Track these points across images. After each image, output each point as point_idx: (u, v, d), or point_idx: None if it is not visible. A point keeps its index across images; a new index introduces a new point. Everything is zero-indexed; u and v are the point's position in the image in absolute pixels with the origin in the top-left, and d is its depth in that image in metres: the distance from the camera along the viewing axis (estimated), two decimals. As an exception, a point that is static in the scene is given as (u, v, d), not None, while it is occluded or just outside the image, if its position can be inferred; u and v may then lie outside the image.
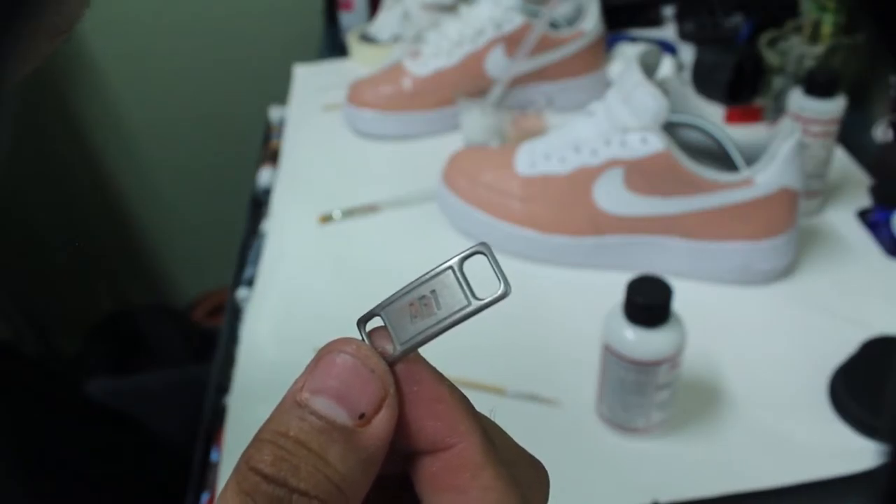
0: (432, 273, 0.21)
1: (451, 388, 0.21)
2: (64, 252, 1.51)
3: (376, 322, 0.22)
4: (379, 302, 0.21)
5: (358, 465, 0.19)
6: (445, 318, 0.20)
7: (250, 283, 0.74)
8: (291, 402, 0.19)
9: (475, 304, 0.20)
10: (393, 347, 0.21)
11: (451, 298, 0.20)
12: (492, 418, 0.23)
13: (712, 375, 0.60)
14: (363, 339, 0.21)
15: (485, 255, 0.20)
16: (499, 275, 0.21)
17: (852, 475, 0.50)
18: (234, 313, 0.71)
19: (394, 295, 0.21)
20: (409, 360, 0.21)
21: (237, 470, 0.19)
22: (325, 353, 0.20)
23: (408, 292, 0.21)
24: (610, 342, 0.52)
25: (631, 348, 0.51)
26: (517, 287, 0.78)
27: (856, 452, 0.54)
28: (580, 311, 0.66)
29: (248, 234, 0.82)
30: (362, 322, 0.22)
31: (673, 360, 0.52)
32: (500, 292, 0.21)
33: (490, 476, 0.20)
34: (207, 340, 0.82)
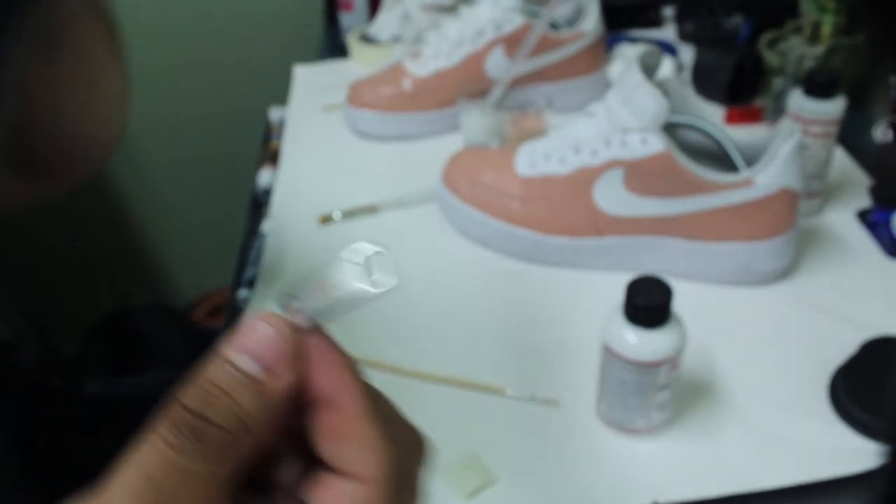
0: (341, 262, 0.25)
1: (346, 358, 0.25)
2: (64, 252, 1.51)
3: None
4: (297, 282, 0.26)
5: (264, 409, 0.23)
6: (347, 301, 0.25)
7: (250, 283, 0.74)
8: (220, 358, 0.24)
9: (372, 291, 0.24)
10: (303, 320, 0.25)
11: (354, 285, 0.24)
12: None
13: (712, 376, 0.60)
14: (280, 312, 0.25)
15: (383, 253, 0.25)
16: (392, 270, 0.25)
17: (852, 475, 0.50)
18: (234, 313, 0.71)
19: (308, 277, 0.26)
20: (314, 332, 0.25)
21: (171, 406, 0.23)
22: (250, 322, 0.24)
23: (320, 276, 0.25)
24: (610, 343, 0.52)
25: (631, 349, 0.51)
26: (518, 287, 0.78)
27: (856, 453, 0.54)
28: (580, 312, 0.66)
29: (248, 234, 0.82)
30: (279, 297, 0.26)
31: (673, 361, 0.52)
32: (392, 285, 0.25)
33: (369, 429, 0.24)
34: (207, 340, 0.82)
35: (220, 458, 0.23)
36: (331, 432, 0.25)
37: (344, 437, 0.24)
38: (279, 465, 0.25)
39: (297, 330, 0.25)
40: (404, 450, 0.26)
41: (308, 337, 0.25)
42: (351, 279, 0.24)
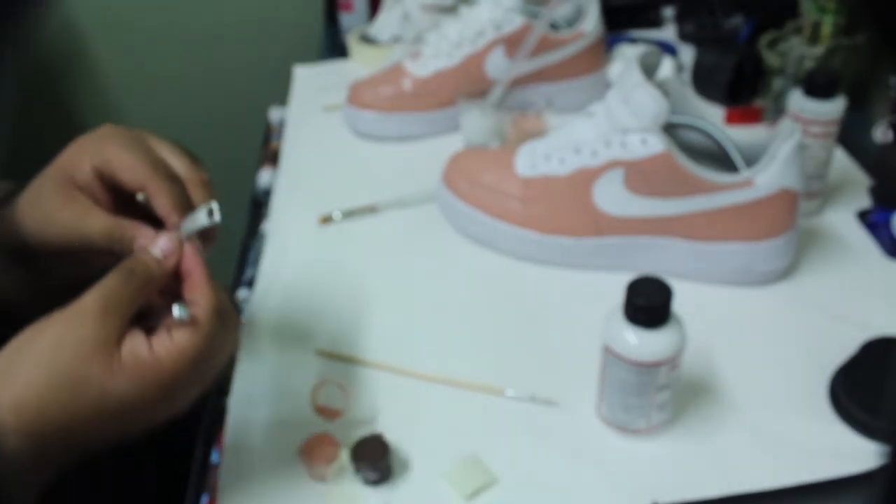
0: (199, 210, 0.48)
1: (201, 258, 0.48)
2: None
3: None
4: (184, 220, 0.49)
5: (160, 273, 0.46)
6: (198, 225, 0.48)
7: (250, 283, 0.74)
8: (143, 248, 0.47)
9: (207, 224, 0.47)
10: (183, 236, 0.48)
11: (203, 219, 0.47)
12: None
13: (712, 376, 0.60)
14: (176, 233, 0.48)
15: (216, 207, 0.48)
16: (219, 214, 0.47)
17: (852, 476, 0.50)
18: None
19: (188, 217, 0.48)
20: (189, 242, 0.48)
21: (122, 264, 0.46)
22: (161, 234, 0.48)
23: (194, 213, 0.48)
24: (610, 343, 0.52)
25: (631, 349, 0.51)
26: (518, 287, 0.78)
27: (856, 453, 0.54)
28: (580, 312, 0.66)
29: (248, 234, 0.82)
30: (177, 225, 0.49)
31: (673, 361, 0.52)
32: (217, 222, 0.47)
33: (207, 288, 0.46)
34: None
35: (137, 290, 0.45)
36: (189, 287, 0.47)
37: (194, 289, 0.46)
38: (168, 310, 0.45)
39: (180, 240, 0.48)
40: (225, 309, 0.47)
41: (185, 244, 0.48)
42: (200, 218, 0.48)
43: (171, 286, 0.47)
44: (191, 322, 0.44)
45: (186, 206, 0.49)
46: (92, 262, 0.52)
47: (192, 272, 0.46)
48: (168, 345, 0.43)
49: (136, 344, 0.43)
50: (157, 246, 0.46)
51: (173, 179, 0.50)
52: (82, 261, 0.52)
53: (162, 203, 0.49)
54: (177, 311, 0.43)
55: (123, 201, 0.51)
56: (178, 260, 0.47)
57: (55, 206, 0.50)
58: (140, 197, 0.50)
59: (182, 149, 0.53)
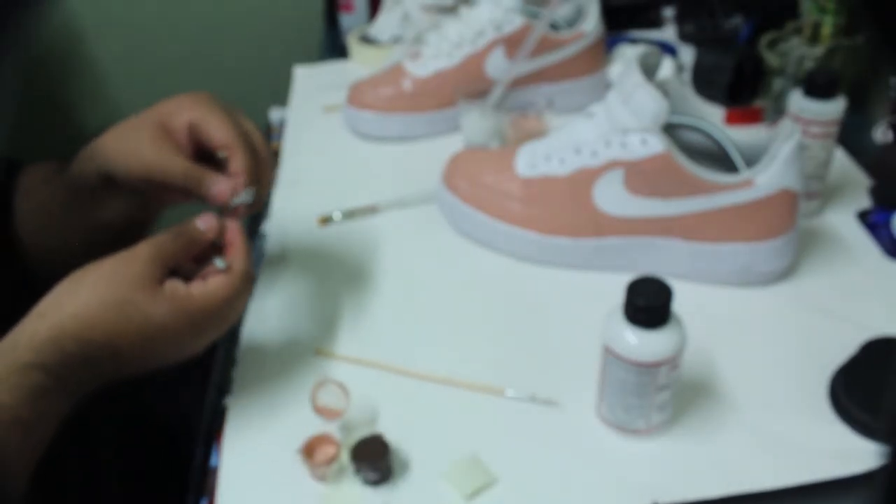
0: (239, 194, 0.58)
1: (239, 226, 0.57)
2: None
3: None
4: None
5: (201, 240, 0.56)
6: (235, 207, 0.58)
7: (250, 283, 0.74)
8: (192, 221, 0.56)
9: (245, 200, 0.58)
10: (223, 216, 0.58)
11: (239, 200, 0.58)
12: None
13: (712, 376, 0.60)
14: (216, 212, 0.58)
15: (251, 191, 0.59)
16: (251, 196, 0.58)
17: (852, 476, 0.50)
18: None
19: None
20: (231, 219, 0.58)
21: (172, 227, 0.55)
22: (203, 214, 0.56)
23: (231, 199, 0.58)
24: (610, 343, 0.52)
25: (631, 350, 0.51)
26: (518, 287, 0.78)
27: (856, 453, 0.54)
28: (580, 313, 0.66)
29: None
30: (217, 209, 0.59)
31: (673, 362, 0.52)
32: (249, 201, 0.58)
33: (242, 254, 0.56)
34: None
35: (181, 248, 0.54)
36: (230, 253, 0.56)
37: (234, 254, 0.56)
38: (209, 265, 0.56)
39: (220, 220, 0.57)
40: (252, 275, 0.56)
41: (233, 221, 0.58)
42: (242, 195, 0.58)
43: (206, 255, 0.57)
44: (226, 271, 0.55)
45: (255, 174, 0.58)
46: (149, 206, 0.64)
47: (234, 242, 0.57)
48: (201, 287, 0.53)
49: (175, 284, 0.53)
50: (202, 221, 0.56)
51: (252, 149, 0.59)
52: (143, 203, 0.63)
53: (239, 163, 0.58)
54: (218, 262, 0.56)
55: (200, 157, 0.60)
56: (216, 234, 0.56)
57: (146, 143, 0.58)
58: (221, 154, 0.58)
59: (262, 132, 0.63)
